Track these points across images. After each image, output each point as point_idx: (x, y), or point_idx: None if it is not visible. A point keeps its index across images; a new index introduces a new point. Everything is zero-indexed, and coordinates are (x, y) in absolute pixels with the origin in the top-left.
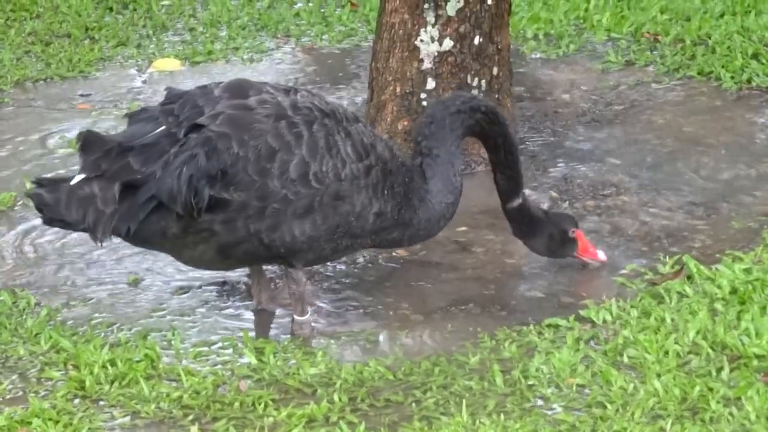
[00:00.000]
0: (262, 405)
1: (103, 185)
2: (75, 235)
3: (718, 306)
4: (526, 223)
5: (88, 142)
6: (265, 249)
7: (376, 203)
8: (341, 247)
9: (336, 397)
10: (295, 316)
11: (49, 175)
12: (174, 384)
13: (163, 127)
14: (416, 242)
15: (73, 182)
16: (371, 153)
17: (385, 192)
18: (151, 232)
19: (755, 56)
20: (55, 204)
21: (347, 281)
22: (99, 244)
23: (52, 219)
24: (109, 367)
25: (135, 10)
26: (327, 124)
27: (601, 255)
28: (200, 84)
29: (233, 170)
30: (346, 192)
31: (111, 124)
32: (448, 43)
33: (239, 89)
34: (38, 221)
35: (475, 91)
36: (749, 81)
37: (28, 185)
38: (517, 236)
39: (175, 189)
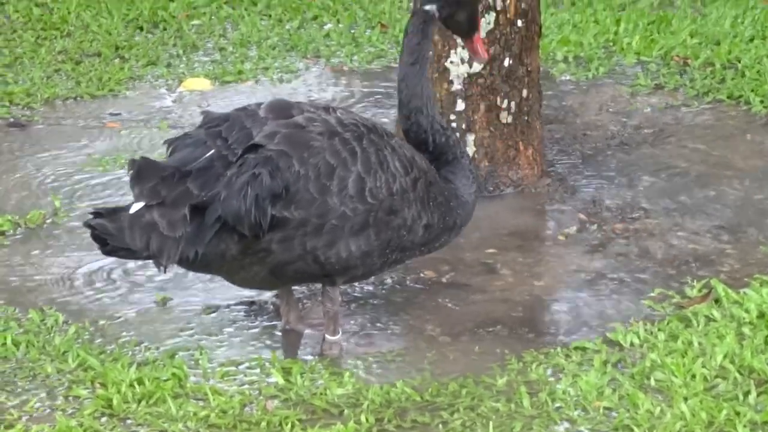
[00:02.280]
0: (289, 425)
1: (163, 212)
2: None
3: (746, 330)
4: None
5: (142, 168)
6: (318, 267)
7: (424, 216)
8: (390, 261)
9: (363, 418)
10: (327, 336)
11: (103, 206)
12: (201, 403)
13: (213, 151)
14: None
15: (132, 210)
16: (414, 166)
17: (431, 204)
18: (212, 255)
19: None
20: (118, 233)
21: (375, 302)
22: (164, 270)
23: (114, 248)
24: (137, 386)
25: (165, 29)
26: (374, 139)
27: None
28: (230, 104)
29: (295, 188)
30: (397, 206)
31: (140, 143)
32: (477, 65)
33: (282, 108)
34: (66, 239)
35: (504, 114)
36: None
37: (86, 217)
38: None
39: (242, 210)
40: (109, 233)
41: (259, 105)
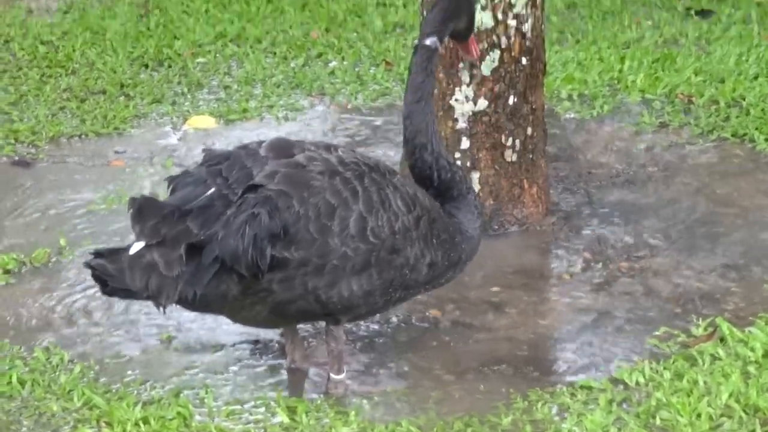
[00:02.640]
0: None
1: (163, 251)
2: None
3: (751, 369)
4: None
5: (143, 207)
6: (320, 306)
7: (428, 254)
8: (394, 299)
9: None
10: (332, 374)
11: (104, 246)
12: None
13: (213, 189)
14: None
15: (133, 251)
16: (417, 204)
17: (434, 241)
18: (213, 296)
19: None
20: (118, 273)
21: (380, 341)
22: (163, 311)
23: (115, 289)
24: (142, 425)
25: (170, 67)
26: (375, 178)
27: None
28: (235, 142)
29: (295, 229)
30: (400, 245)
31: (145, 181)
32: (482, 103)
33: (283, 147)
34: (71, 277)
35: (509, 152)
36: None
37: (88, 257)
38: None
39: (239, 249)
40: (109, 274)
41: (260, 143)
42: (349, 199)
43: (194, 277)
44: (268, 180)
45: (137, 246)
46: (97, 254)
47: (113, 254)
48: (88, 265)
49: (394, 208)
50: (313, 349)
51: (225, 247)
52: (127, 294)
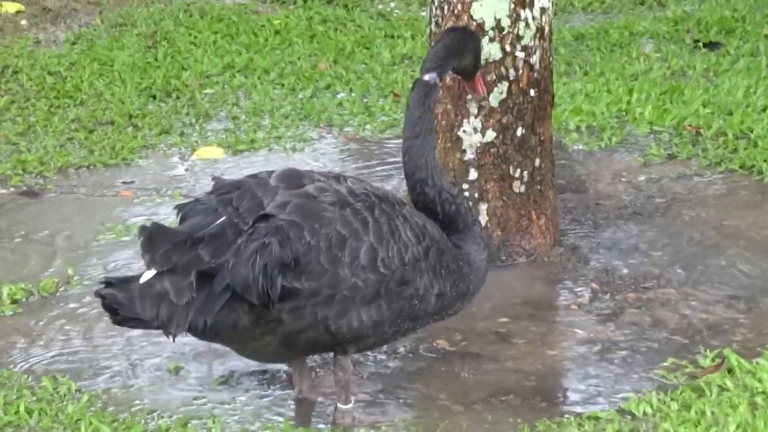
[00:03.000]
0: None
1: (173, 279)
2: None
3: (759, 400)
4: None
5: (153, 234)
6: (330, 336)
7: (436, 284)
8: (402, 330)
9: None
10: (339, 405)
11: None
12: None
13: (224, 218)
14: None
15: (144, 279)
16: (426, 234)
17: (443, 272)
18: (223, 325)
19: None
20: (129, 302)
21: (388, 371)
22: (173, 339)
23: (125, 318)
24: None
25: (178, 98)
26: (385, 209)
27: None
28: (243, 172)
29: (305, 259)
30: (409, 276)
31: (153, 212)
32: (490, 134)
33: (293, 177)
34: (79, 307)
35: (517, 183)
36: None
37: (97, 286)
38: None
39: (250, 278)
40: (120, 303)
41: (270, 173)
42: (360, 230)
43: (205, 306)
44: (280, 210)
45: (148, 275)
46: (108, 283)
47: (123, 283)
48: (98, 294)
49: (404, 239)
50: (320, 379)
51: (236, 276)
52: (138, 323)
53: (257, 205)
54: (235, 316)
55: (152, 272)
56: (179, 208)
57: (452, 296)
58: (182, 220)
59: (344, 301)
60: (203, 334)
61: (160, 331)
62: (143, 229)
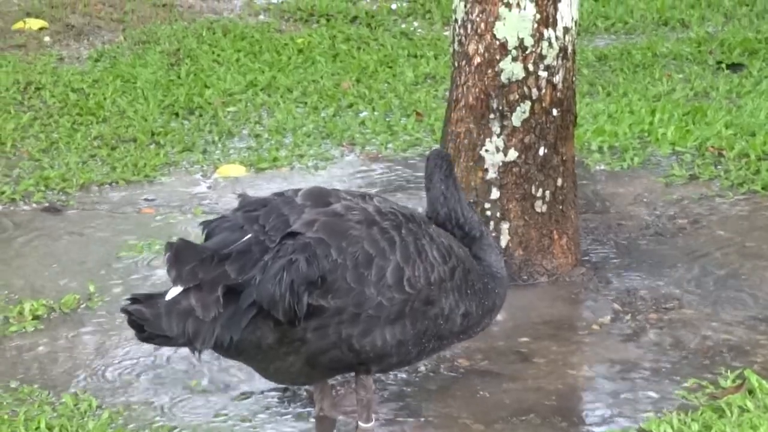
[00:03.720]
0: None
1: (200, 295)
2: (135, 340)
3: None
4: None
5: (180, 250)
6: (353, 355)
7: (462, 305)
8: (427, 350)
9: None
10: (360, 423)
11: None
12: None
13: (250, 235)
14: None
15: (170, 296)
16: (452, 254)
17: (468, 292)
18: (248, 343)
19: None
20: (155, 319)
21: (408, 390)
22: (198, 356)
23: (151, 335)
24: None
25: (201, 116)
26: (412, 228)
27: None
28: (265, 190)
29: (332, 277)
30: (435, 296)
31: (175, 229)
32: (513, 154)
33: (320, 196)
34: (100, 324)
35: (539, 203)
36: None
37: (119, 302)
38: None
39: (277, 295)
40: (146, 319)
41: (296, 191)
42: (387, 249)
43: (231, 322)
44: (307, 228)
45: (174, 291)
46: (134, 300)
47: (150, 299)
48: (124, 310)
49: (430, 259)
50: (341, 397)
51: (262, 292)
52: (164, 340)
53: (284, 222)
54: (260, 334)
55: (178, 289)
56: (205, 224)
57: (478, 315)
58: (208, 237)
59: (369, 319)
60: (228, 351)
61: (182, 348)
62: (169, 245)
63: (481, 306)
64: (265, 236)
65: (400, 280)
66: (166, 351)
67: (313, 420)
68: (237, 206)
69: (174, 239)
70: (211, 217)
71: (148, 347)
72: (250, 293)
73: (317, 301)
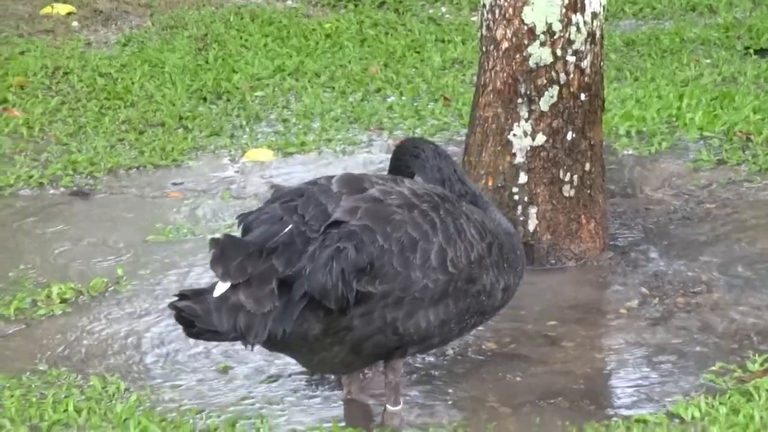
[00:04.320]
0: None
1: (250, 290)
2: (163, 323)
3: None
4: None
5: (226, 246)
6: (397, 338)
7: (502, 279)
8: (468, 326)
9: None
10: (388, 406)
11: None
12: None
13: (291, 226)
14: None
15: (218, 292)
16: (487, 230)
17: (505, 266)
18: (295, 335)
19: None
20: (206, 314)
21: (436, 373)
22: (251, 348)
23: (201, 330)
24: None
25: (229, 100)
26: (449, 209)
27: None
28: (293, 174)
29: (379, 263)
30: (476, 274)
31: (202, 213)
32: (540, 138)
33: (354, 182)
34: (128, 307)
35: (567, 187)
36: None
37: (171, 299)
38: None
39: (328, 284)
40: (197, 315)
41: (329, 179)
42: (429, 232)
43: (283, 315)
44: (351, 215)
45: (221, 287)
46: (182, 296)
47: (199, 295)
48: (174, 307)
49: (468, 238)
50: (368, 381)
51: (314, 282)
52: (214, 335)
53: (322, 212)
54: (307, 326)
55: (226, 285)
56: (242, 218)
57: (515, 285)
58: (245, 230)
59: (413, 302)
60: (277, 344)
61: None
62: (215, 241)
63: (517, 275)
64: (305, 227)
65: (444, 261)
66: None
67: (341, 403)
68: (271, 197)
69: (218, 235)
70: (238, 202)
71: (175, 330)
72: (301, 284)
73: (365, 288)
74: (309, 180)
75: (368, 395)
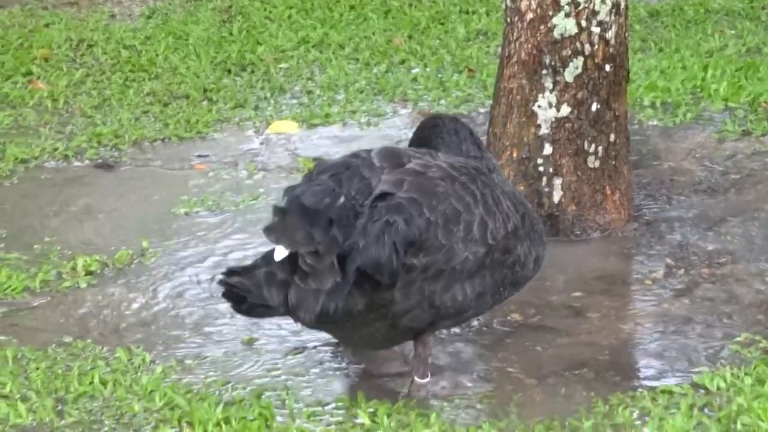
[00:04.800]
0: None
1: (314, 261)
2: (188, 295)
3: None
4: None
5: (291, 215)
6: (434, 312)
7: (533, 250)
8: (501, 299)
9: None
10: (416, 378)
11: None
12: None
13: (343, 199)
14: None
15: (280, 256)
16: (519, 201)
17: (535, 237)
18: (341, 310)
19: None
20: (257, 289)
21: (462, 345)
22: (304, 325)
23: (252, 305)
24: (224, 425)
25: (253, 72)
26: (485, 180)
27: None
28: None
29: (425, 236)
30: (512, 245)
31: (227, 185)
32: (565, 109)
33: (394, 156)
34: (153, 279)
35: (591, 158)
36: None
37: (215, 276)
38: None
39: (382, 258)
40: (249, 290)
41: (368, 152)
42: (471, 204)
43: (335, 290)
44: (397, 188)
45: (281, 252)
46: (231, 272)
47: (248, 271)
48: (225, 283)
49: (504, 209)
50: (388, 363)
51: (367, 257)
52: (264, 310)
53: (366, 185)
54: (353, 301)
55: (284, 252)
56: (288, 190)
57: (543, 256)
58: (292, 201)
59: (452, 274)
60: (323, 320)
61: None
62: (278, 209)
63: (543, 246)
64: (353, 200)
65: (485, 233)
66: (219, 306)
67: (366, 374)
68: (316, 170)
69: (282, 203)
70: (263, 174)
71: (201, 302)
72: (354, 259)
73: (409, 261)
74: (350, 153)
75: (384, 368)
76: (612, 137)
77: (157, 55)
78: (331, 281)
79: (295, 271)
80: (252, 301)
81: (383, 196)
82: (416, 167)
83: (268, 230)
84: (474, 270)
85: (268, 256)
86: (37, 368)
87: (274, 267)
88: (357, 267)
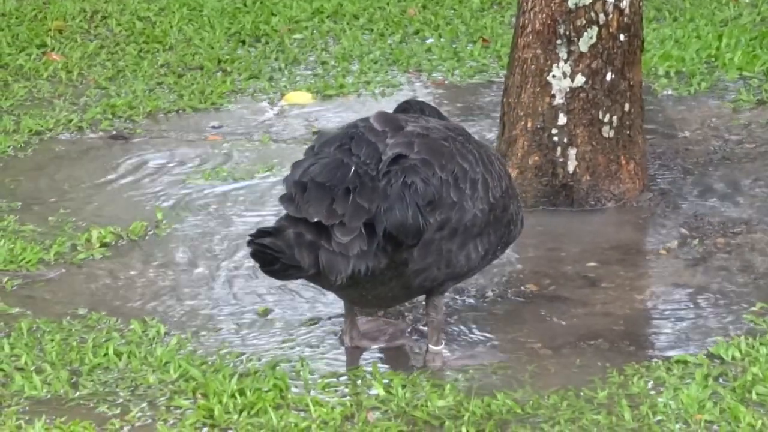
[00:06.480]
0: None
1: (341, 231)
2: (202, 266)
3: None
4: None
5: (311, 187)
6: (449, 271)
7: (520, 210)
8: (495, 259)
9: (464, 430)
10: (430, 345)
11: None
12: (302, 414)
13: (354, 167)
14: None
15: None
16: (500, 162)
17: (517, 197)
18: (369, 272)
19: None
20: (289, 250)
21: (476, 315)
22: (334, 287)
23: (282, 267)
24: (238, 397)
25: (267, 43)
26: (474, 141)
27: None
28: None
29: (439, 194)
30: (507, 202)
31: (242, 156)
32: (580, 79)
33: (392, 120)
34: (168, 251)
35: (606, 128)
36: None
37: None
38: None
39: (407, 219)
40: (282, 251)
41: (364, 120)
42: (473, 162)
43: (366, 252)
44: (408, 149)
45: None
46: (262, 233)
47: (279, 232)
48: (258, 243)
49: (497, 168)
50: (366, 325)
51: (392, 219)
52: (295, 271)
53: (374, 150)
54: (376, 261)
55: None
56: (296, 165)
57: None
58: (303, 174)
59: (465, 232)
60: (362, 280)
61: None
62: (297, 184)
63: (521, 208)
64: (365, 166)
65: (487, 190)
66: (236, 279)
67: (381, 345)
68: (319, 142)
69: (297, 178)
70: (278, 145)
71: (215, 272)
72: (380, 221)
73: (427, 219)
74: (346, 124)
75: (369, 339)
76: (627, 107)
77: (171, 27)
78: (358, 247)
79: (321, 234)
80: (285, 262)
81: (397, 159)
82: (418, 129)
83: (287, 200)
84: (482, 227)
85: (292, 216)
86: (52, 340)
87: (302, 228)
88: (384, 229)
